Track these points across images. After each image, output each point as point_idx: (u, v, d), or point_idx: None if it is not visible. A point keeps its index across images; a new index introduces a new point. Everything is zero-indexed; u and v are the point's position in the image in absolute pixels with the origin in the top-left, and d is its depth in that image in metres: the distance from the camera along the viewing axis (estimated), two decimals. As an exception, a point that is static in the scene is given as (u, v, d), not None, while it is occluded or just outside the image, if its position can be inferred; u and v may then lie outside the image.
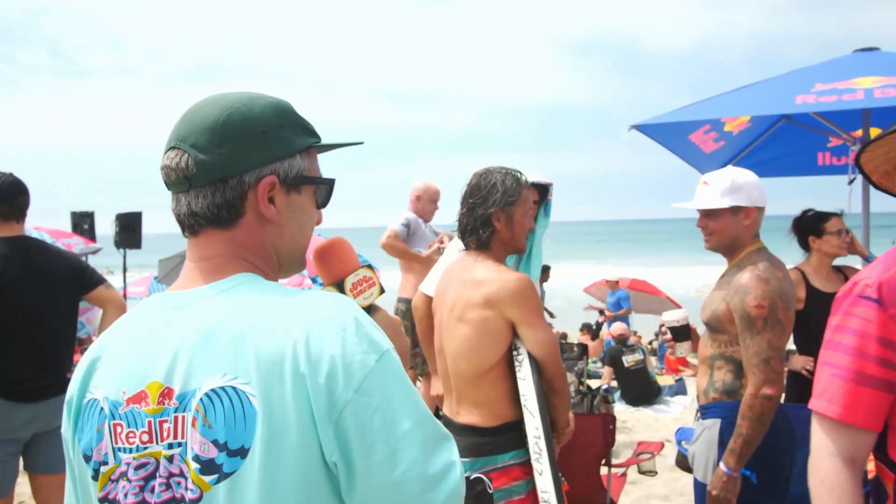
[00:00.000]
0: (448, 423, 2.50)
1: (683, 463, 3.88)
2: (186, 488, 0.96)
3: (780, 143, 5.29)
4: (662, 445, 3.79)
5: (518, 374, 2.33)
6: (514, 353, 2.36)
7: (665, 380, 9.87)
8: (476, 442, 2.40)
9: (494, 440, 2.36)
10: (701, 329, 3.06)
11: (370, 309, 1.33)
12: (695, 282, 17.49)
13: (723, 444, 2.57)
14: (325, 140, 1.15)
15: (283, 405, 0.93)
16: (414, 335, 5.80)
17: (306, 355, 0.93)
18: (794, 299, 2.58)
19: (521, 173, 2.49)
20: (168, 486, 0.97)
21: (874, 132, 4.44)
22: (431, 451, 0.96)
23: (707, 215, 2.67)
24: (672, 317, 2.97)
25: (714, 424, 2.61)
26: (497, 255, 2.47)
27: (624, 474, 3.61)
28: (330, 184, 1.15)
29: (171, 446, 0.98)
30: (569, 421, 2.53)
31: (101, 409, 1.02)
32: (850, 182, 4.46)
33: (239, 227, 1.06)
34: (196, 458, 0.95)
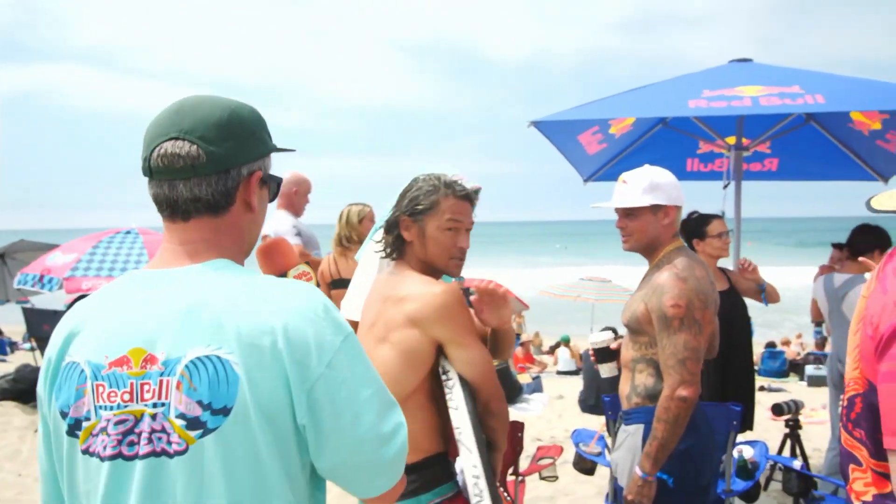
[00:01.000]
0: None
1: (581, 465, 3.84)
2: (170, 442, 1.10)
3: (654, 147, 5.47)
4: (561, 449, 3.72)
5: (449, 403, 2.06)
6: (444, 377, 2.09)
7: (523, 378, 10.06)
8: None
9: (418, 477, 2.06)
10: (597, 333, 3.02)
11: None
12: (535, 283, 18.20)
13: None
14: None
15: (262, 374, 1.09)
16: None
17: (284, 335, 1.10)
18: (715, 299, 2.55)
19: (458, 184, 2.13)
20: (150, 441, 1.10)
21: (746, 140, 4.68)
22: (385, 415, 1.18)
23: (626, 215, 2.60)
24: (597, 338, 2.94)
25: (637, 430, 2.53)
26: (421, 269, 2.16)
27: (523, 481, 3.50)
28: (279, 182, 1.33)
29: (155, 405, 1.11)
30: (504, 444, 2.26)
31: (82, 371, 1.14)
32: (725, 187, 4.68)
33: (228, 214, 1.21)
34: (181, 416, 1.09)
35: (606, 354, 2.91)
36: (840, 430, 1.58)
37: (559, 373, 12.32)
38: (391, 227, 2.19)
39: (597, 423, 7.48)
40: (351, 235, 4.81)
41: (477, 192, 2.17)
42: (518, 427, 3.33)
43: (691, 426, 2.45)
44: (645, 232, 2.57)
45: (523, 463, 3.60)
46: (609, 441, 3.96)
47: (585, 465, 3.78)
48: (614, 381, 2.81)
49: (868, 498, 1.46)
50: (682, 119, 5.04)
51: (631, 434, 2.55)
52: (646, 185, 2.53)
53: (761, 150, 5.26)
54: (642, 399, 2.54)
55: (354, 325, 2.87)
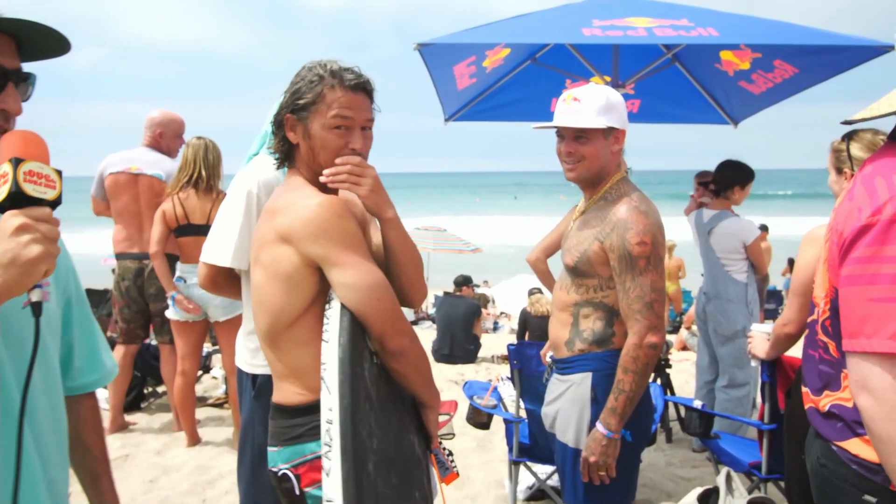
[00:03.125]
0: None
1: (476, 419, 3.58)
2: None
3: (520, 85, 5.26)
4: (457, 404, 3.44)
5: (323, 336, 1.67)
6: (326, 305, 1.71)
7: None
8: (282, 425, 1.75)
9: (304, 421, 1.70)
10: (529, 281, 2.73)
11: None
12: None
13: (595, 400, 2.26)
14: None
15: None
16: (128, 297, 4.72)
17: None
18: None
19: (349, 71, 1.74)
20: None
21: (604, 78, 4.59)
22: None
23: (576, 138, 2.29)
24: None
25: (583, 379, 2.28)
26: (311, 178, 1.79)
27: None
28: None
29: None
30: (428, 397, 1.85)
31: None
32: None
33: None
34: None
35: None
36: (811, 346, 1.69)
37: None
38: (277, 127, 1.81)
39: (452, 372, 7.38)
40: (202, 174, 4.19)
41: (368, 83, 1.77)
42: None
43: None
44: (596, 158, 2.28)
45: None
46: (504, 390, 3.75)
47: (481, 419, 3.52)
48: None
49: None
50: (555, 54, 4.87)
51: (576, 384, 2.29)
52: (602, 104, 2.24)
53: (626, 91, 5.23)
54: (588, 345, 2.28)
55: (222, 270, 2.39)
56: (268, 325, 1.73)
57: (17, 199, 1.04)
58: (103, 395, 5.24)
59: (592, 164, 2.29)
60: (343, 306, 1.65)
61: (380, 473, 1.61)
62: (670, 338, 8.65)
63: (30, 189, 1.05)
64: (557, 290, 2.43)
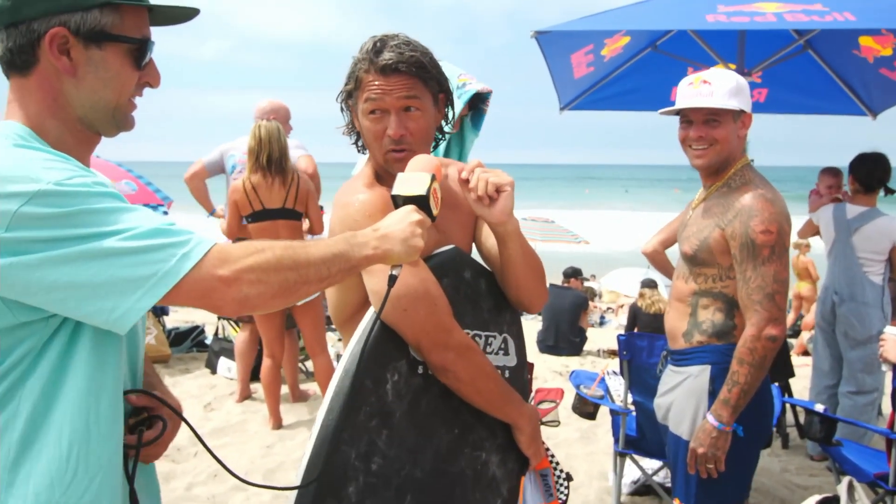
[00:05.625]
0: None
1: (583, 408, 3.57)
2: None
3: (639, 74, 5.14)
4: (563, 392, 3.42)
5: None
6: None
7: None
8: None
9: None
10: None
11: None
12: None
13: (713, 394, 2.20)
14: None
15: None
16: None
17: None
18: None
19: (386, 50, 1.54)
20: None
21: (729, 65, 4.40)
22: None
23: (707, 122, 2.23)
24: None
25: (702, 372, 2.23)
26: (374, 166, 1.67)
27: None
28: (139, 44, 1.19)
29: None
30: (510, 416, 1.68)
31: None
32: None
33: (33, 74, 1.15)
34: None
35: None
36: None
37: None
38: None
39: (557, 363, 7.35)
40: (277, 154, 4.12)
41: (408, 60, 1.53)
42: (527, 367, 2.99)
43: None
44: (727, 142, 2.22)
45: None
46: (611, 383, 3.71)
47: (587, 409, 3.51)
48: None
49: None
50: (676, 41, 4.73)
51: (693, 376, 2.25)
52: (732, 86, 2.19)
53: (753, 79, 5.01)
54: (707, 337, 2.23)
55: None
56: (333, 317, 1.70)
57: (419, 203, 1.35)
58: (227, 366, 5.61)
59: (724, 148, 2.23)
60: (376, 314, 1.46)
61: (374, 497, 1.47)
62: (790, 341, 8.21)
63: (430, 202, 1.37)
64: (675, 280, 2.40)
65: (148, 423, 1.26)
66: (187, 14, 1.25)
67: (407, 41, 1.56)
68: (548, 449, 1.79)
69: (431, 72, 1.58)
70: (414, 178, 1.38)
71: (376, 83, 1.54)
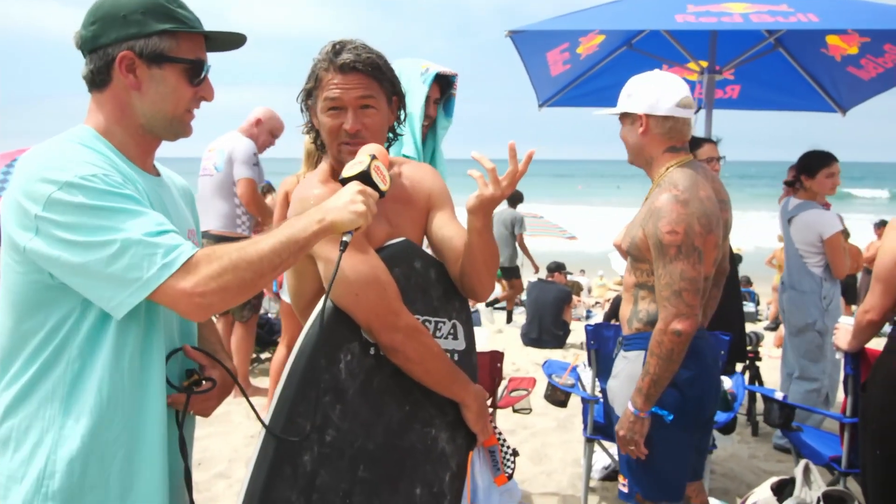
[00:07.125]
0: None
1: (554, 397, 3.68)
2: None
3: (614, 72, 5.22)
4: (535, 381, 3.54)
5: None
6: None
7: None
8: None
9: None
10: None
11: None
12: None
13: None
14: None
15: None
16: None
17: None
18: (720, 223, 2.35)
19: (345, 50, 1.66)
20: None
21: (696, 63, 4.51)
22: None
23: (622, 125, 2.41)
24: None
25: (637, 357, 2.35)
26: (330, 164, 1.78)
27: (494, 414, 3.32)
28: (193, 64, 1.43)
29: None
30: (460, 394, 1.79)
31: None
32: (696, 112, 4.51)
33: (108, 90, 1.41)
34: None
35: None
36: None
37: (487, 305, 12.27)
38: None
39: (539, 356, 7.46)
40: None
41: (365, 61, 1.64)
42: (497, 357, 3.11)
43: (695, 354, 2.28)
44: (627, 143, 2.40)
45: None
46: (582, 373, 3.83)
47: (558, 397, 3.62)
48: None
49: None
50: (651, 40, 4.83)
51: (630, 361, 2.37)
52: (628, 90, 2.35)
53: (725, 76, 5.12)
54: (643, 325, 2.36)
55: None
56: (294, 306, 1.81)
57: (363, 179, 1.46)
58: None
59: (629, 149, 2.40)
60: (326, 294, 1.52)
61: (328, 465, 1.57)
62: (771, 334, 8.35)
63: (373, 176, 1.48)
64: (625, 273, 2.51)
65: (200, 383, 1.48)
66: (237, 40, 1.50)
67: (364, 45, 1.69)
68: (496, 427, 1.90)
69: (386, 74, 1.70)
70: (357, 160, 1.52)
71: (335, 81, 1.65)
